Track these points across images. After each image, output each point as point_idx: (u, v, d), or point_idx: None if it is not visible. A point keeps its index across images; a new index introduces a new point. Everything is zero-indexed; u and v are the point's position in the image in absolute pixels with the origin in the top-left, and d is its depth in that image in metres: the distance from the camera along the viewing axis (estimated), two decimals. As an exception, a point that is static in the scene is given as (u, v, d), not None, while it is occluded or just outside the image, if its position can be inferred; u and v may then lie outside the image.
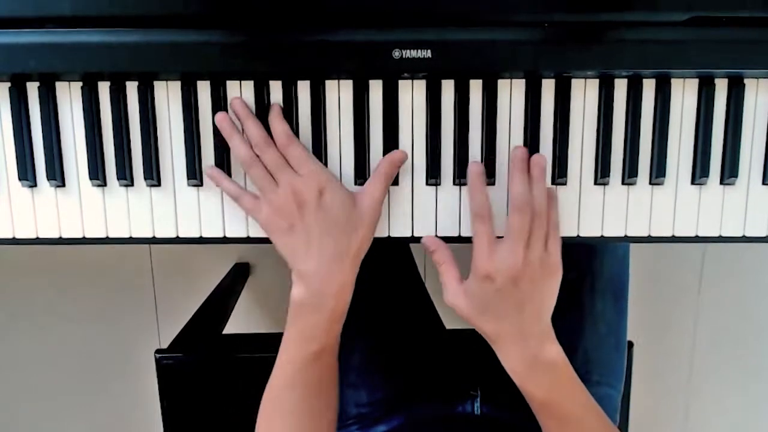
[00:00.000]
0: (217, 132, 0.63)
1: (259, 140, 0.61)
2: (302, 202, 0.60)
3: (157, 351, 0.91)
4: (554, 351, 0.62)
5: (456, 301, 0.62)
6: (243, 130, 0.63)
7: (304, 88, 0.63)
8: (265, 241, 0.65)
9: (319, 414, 0.65)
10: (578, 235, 0.65)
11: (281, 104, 0.63)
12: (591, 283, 0.79)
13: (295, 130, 0.64)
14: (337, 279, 0.61)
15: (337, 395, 0.68)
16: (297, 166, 0.61)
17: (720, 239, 0.65)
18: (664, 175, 0.64)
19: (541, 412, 0.63)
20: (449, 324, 0.88)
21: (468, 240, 0.65)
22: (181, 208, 0.65)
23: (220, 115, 0.63)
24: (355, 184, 0.65)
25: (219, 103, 0.63)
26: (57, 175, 0.64)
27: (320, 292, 0.61)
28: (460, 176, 0.64)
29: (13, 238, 0.66)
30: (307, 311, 0.62)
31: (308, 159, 0.61)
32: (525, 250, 0.59)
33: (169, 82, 0.63)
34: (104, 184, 0.65)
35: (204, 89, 0.63)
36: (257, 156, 0.61)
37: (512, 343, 0.61)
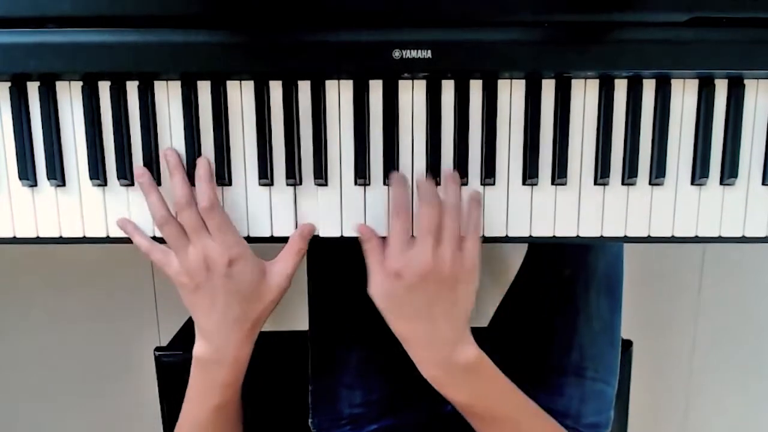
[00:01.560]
0: (216, 125, 0.63)
1: (182, 199, 0.61)
2: (211, 267, 0.61)
3: (157, 349, 0.91)
4: (471, 353, 0.62)
5: (375, 294, 0.62)
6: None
7: (304, 88, 0.63)
8: (266, 240, 0.66)
9: None
10: (578, 236, 0.65)
11: (213, 164, 0.63)
12: (585, 279, 0.79)
13: (296, 130, 0.64)
14: (237, 339, 0.63)
15: None
16: (214, 232, 0.62)
17: (720, 239, 0.65)
18: (663, 176, 0.64)
19: (467, 414, 0.64)
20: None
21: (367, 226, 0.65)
22: (181, 207, 0.65)
23: (139, 169, 0.63)
24: (355, 184, 0.65)
25: (219, 103, 0.63)
26: (57, 174, 0.64)
27: (220, 349, 0.63)
28: (459, 176, 0.64)
29: (13, 238, 0.66)
30: (207, 366, 0.64)
31: (226, 227, 0.62)
32: (435, 247, 0.59)
33: (169, 82, 0.63)
34: (104, 183, 0.65)
35: (204, 89, 0.63)
36: (171, 216, 0.62)
37: (424, 347, 0.61)
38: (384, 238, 0.64)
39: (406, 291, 0.59)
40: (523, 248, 0.89)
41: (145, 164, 0.64)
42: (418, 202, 0.61)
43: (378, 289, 0.62)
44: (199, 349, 0.64)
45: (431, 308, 0.60)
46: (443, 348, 0.61)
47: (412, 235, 0.62)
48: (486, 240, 0.66)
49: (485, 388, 0.63)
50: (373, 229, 0.64)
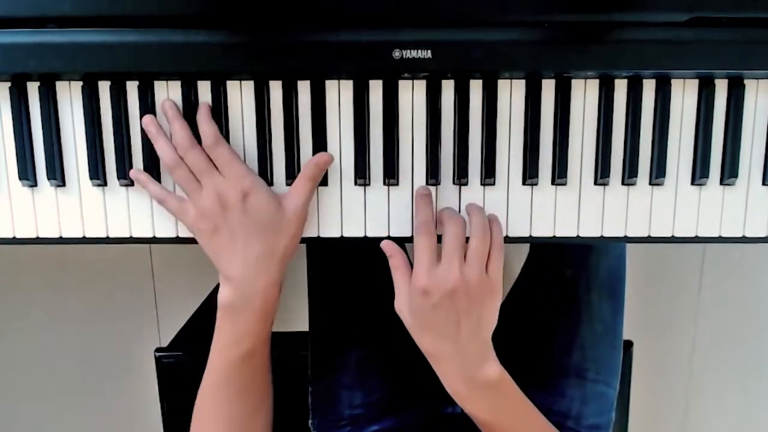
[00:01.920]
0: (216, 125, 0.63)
1: (183, 141, 0.61)
2: (226, 204, 0.60)
3: (157, 350, 0.91)
4: (494, 371, 0.62)
5: (402, 309, 0.62)
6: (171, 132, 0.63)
7: (304, 88, 0.63)
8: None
9: (251, 415, 0.66)
10: (578, 236, 0.65)
11: (210, 104, 0.63)
12: (587, 281, 0.79)
13: (296, 130, 0.64)
14: (262, 281, 0.61)
15: (270, 397, 0.69)
16: (222, 168, 0.61)
17: (720, 239, 0.65)
18: (664, 176, 0.64)
19: (486, 430, 0.64)
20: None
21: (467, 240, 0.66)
22: (181, 208, 0.65)
23: (147, 118, 0.63)
24: (355, 184, 0.65)
25: (219, 103, 0.63)
26: (57, 174, 0.64)
27: (246, 294, 0.61)
28: (460, 176, 0.64)
29: (13, 238, 0.66)
30: (235, 312, 0.62)
31: (234, 161, 0.61)
32: (461, 264, 0.59)
33: (169, 82, 0.63)
34: (104, 183, 0.65)
35: (204, 89, 0.63)
36: (181, 158, 0.61)
37: (450, 363, 0.61)
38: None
39: (433, 308, 0.59)
40: (525, 249, 0.89)
41: (145, 164, 0.64)
42: (442, 221, 0.61)
43: (404, 305, 0.62)
44: (224, 296, 0.62)
45: (457, 326, 0.60)
46: (468, 365, 0.61)
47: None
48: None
49: (505, 406, 0.63)
50: (396, 246, 0.64)
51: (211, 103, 0.63)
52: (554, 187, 0.65)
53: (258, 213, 0.60)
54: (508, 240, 0.65)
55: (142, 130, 0.63)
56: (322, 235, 0.66)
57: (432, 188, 0.65)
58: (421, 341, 0.62)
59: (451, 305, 0.59)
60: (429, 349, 0.62)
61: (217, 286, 0.63)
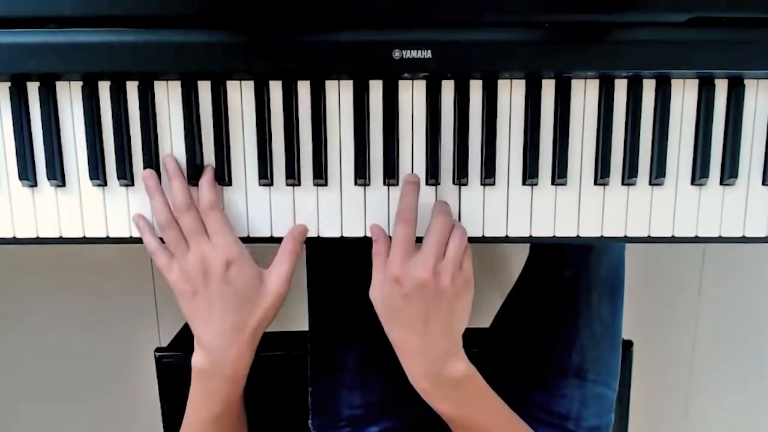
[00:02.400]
0: (216, 125, 0.63)
1: (181, 204, 0.62)
2: (208, 270, 0.61)
3: (157, 349, 0.91)
4: (460, 368, 0.62)
5: (374, 297, 0.63)
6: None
7: (304, 88, 0.63)
8: (266, 240, 0.66)
9: None
10: (578, 236, 0.65)
11: (215, 168, 0.64)
12: (587, 281, 0.79)
13: (295, 130, 0.64)
14: (234, 349, 0.63)
15: None
16: (212, 235, 0.62)
17: (720, 240, 0.65)
18: (663, 176, 0.64)
19: (455, 427, 0.64)
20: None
21: (471, 240, 0.65)
22: (181, 208, 0.65)
23: (147, 172, 0.63)
24: (355, 184, 0.65)
25: (219, 103, 0.63)
26: (57, 174, 0.64)
27: (218, 361, 0.63)
28: (459, 176, 0.64)
29: (14, 238, 0.66)
30: (207, 377, 0.64)
31: (225, 230, 0.62)
32: (437, 263, 0.59)
33: (169, 82, 0.63)
34: (104, 183, 0.65)
35: (204, 89, 0.63)
36: (175, 219, 0.62)
37: (416, 357, 0.62)
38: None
39: (403, 299, 0.60)
40: (525, 249, 0.89)
41: (145, 165, 0.64)
42: (434, 215, 0.61)
43: (377, 291, 0.62)
44: (197, 360, 0.64)
45: (426, 320, 0.60)
46: (435, 361, 0.61)
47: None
48: (486, 240, 0.66)
49: (473, 403, 0.63)
50: (385, 232, 0.64)
51: (211, 103, 0.63)
52: (554, 187, 0.65)
53: (238, 284, 0.62)
54: (508, 240, 0.65)
55: (142, 130, 0.63)
56: (322, 235, 0.66)
57: (432, 188, 0.65)
58: (389, 331, 0.63)
59: (421, 298, 0.59)
60: (396, 340, 0.62)
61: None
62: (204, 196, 0.63)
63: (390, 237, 0.65)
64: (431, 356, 0.61)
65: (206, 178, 0.63)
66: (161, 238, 0.64)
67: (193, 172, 0.64)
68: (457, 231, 0.61)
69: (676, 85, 0.63)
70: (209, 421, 0.65)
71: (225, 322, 0.62)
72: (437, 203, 0.63)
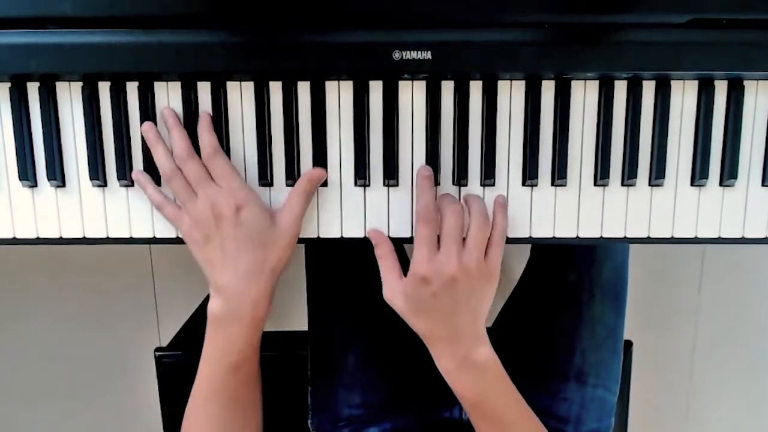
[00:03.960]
0: (217, 125, 0.63)
1: (182, 152, 0.62)
2: (220, 215, 0.61)
3: (157, 349, 0.91)
4: (485, 353, 0.63)
5: (393, 298, 0.63)
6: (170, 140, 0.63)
7: (304, 88, 0.63)
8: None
9: (238, 426, 0.66)
10: (577, 236, 0.65)
11: (211, 113, 0.63)
12: (590, 286, 0.79)
13: (296, 130, 0.64)
14: (251, 292, 0.62)
15: (260, 411, 0.69)
16: (218, 180, 0.61)
17: (719, 240, 0.65)
18: (663, 177, 0.64)
19: (472, 412, 0.65)
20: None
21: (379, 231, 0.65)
22: (181, 208, 0.65)
23: (146, 125, 0.63)
24: (355, 185, 0.65)
25: (219, 103, 0.63)
26: (57, 175, 0.64)
27: (236, 305, 0.62)
28: (459, 177, 0.64)
29: (14, 238, 0.66)
30: (225, 323, 0.63)
31: (231, 174, 0.62)
32: (460, 252, 0.59)
33: (169, 83, 0.63)
34: (104, 184, 0.65)
35: (204, 89, 0.63)
36: (179, 168, 0.62)
37: (444, 343, 0.62)
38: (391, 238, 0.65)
39: (432, 296, 0.60)
40: (526, 251, 0.88)
41: (144, 165, 0.64)
42: (441, 209, 0.61)
43: (394, 293, 0.63)
44: (214, 306, 0.63)
45: (454, 311, 0.61)
46: (462, 346, 0.62)
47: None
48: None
49: (492, 389, 0.63)
50: (384, 234, 0.64)
51: (211, 103, 0.63)
52: (554, 188, 0.65)
53: (250, 226, 0.61)
54: (508, 241, 0.65)
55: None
56: (322, 236, 0.66)
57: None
58: (415, 324, 0.63)
59: (450, 293, 0.60)
60: (424, 332, 0.63)
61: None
62: (205, 141, 0.62)
63: (389, 238, 0.65)
64: (458, 341, 0.62)
65: (204, 124, 0.62)
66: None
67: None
68: (475, 219, 0.61)
69: (676, 86, 0.63)
70: (228, 372, 0.64)
71: (240, 265, 0.61)
72: (441, 196, 0.63)
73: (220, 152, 0.62)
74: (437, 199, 0.63)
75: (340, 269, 0.80)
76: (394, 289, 0.63)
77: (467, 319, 0.61)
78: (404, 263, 0.88)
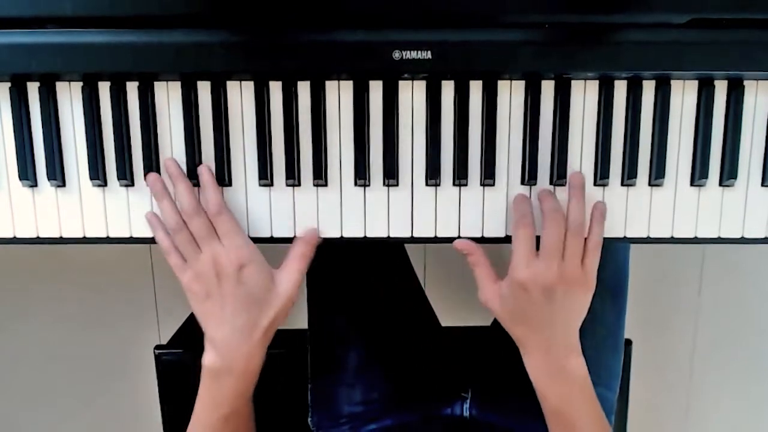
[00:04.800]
0: (217, 125, 0.63)
1: (189, 208, 0.62)
2: (221, 272, 0.61)
3: (157, 347, 0.91)
4: (578, 364, 0.63)
5: (490, 302, 0.64)
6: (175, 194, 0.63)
7: (304, 88, 0.63)
8: (266, 240, 0.66)
9: None
10: (578, 236, 0.65)
11: (213, 170, 0.64)
12: None
13: (295, 130, 0.64)
14: (245, 348, 0.63)
15: None
16: (223, 237, 0.62)
17: (719, 240, 0.65)
18: (663, 177, 0.64)
19: (552, 420, 0.65)
20: (445, 322, 0.89)
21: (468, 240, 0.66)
22: (181, 208, 0.65)
23: (152, 176, 0.63)
24: (355, 185, 0.65)
25: (219, 103, 0.63)
26: (57, 174, 0.64)
27: (230, 359, 0.63)
28: (459, 177, 0.64)
29: (14, 238, 0.66)
30: (218, 376, 0.64)
31: (235, 231, 0.62)
32: (560, 264, 0.60)
33: (169, 83, 0.63)
34: (104, 184, 0.65)
35: (204, 89, 0.63)
36: (185, 222, 0.62)
37: (539, 350, 0.63)
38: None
39: (529, 302, 0.61)
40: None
41: (145, 165, 0.64)
42: (543, 220, 0.61)
43: (491, 295, 0.64)
44: (208, 359, 0.64)
45: (552, 318, 0.61)
46: (555, 355, 0.63)
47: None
48: (486, 241, 0.66)
49: (579, 400, 0.64)
50: (472, 242, 0.65)
51: (211, 103, 0.63)
52: (554, 187, 0.65)
53: (250, 285, 0.62)
54: (508, 240, 0.65)
55: (141, 130, 0.63)
56: (321, 236, 0.66)
57: (431, 189, 0.65)
58: (512, 329, 0.64)
59: (548, 301, 0.61)
60: (520, 337, 0.64)
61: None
62: (210, 199, 0.62)
63: (390, 238, 0.65)
64: (554, 351, 0.63)
65: (207, 180, 0.63)
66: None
67: (193, 172, 0.64)
68: (573, 231, 0.61)
69: (676, 86, 0.63)
70: (218, 421, 0.65)
71: (237, 322, 0.62)
72: (543, 197, 0.62)
73: (225, 209, 0.63)
74: (540, 198, 0.63)
75: (340, 269, 0.80)
76: (490, 294, 0.64)
77: (562, 327, 0.62)
78: (405, 263, 0.88)
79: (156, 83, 0.63)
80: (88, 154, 0.64)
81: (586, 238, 0.62)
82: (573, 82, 0.63)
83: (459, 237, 0.65)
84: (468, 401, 0.81)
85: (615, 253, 0.81)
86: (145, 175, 0.64)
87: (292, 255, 0.65)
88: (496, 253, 0.66)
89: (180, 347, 0.92)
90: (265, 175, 0.64)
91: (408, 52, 0.60)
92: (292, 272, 0.64)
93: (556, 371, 0.63)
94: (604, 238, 0.65)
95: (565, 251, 0.61)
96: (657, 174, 0.63)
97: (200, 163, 0.64)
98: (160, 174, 0.64)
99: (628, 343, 0.91)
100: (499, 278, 0.64)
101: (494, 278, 0.64)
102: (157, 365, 0.91)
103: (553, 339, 0.62)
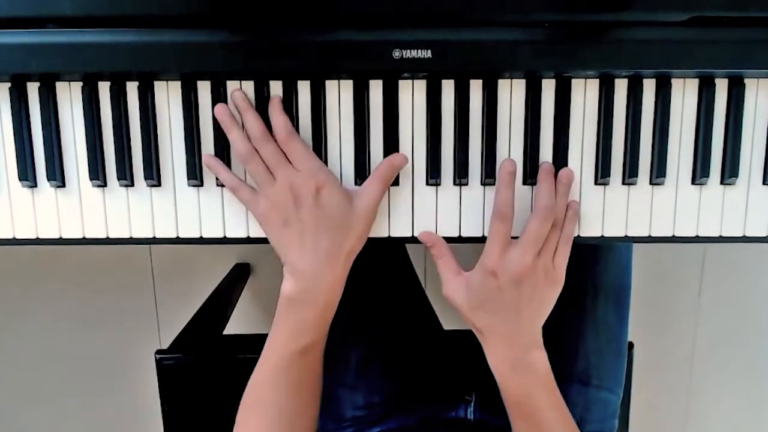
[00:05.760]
0: (217, 125, 0.63)
1: (259, 134, 0.61)
2: (299, 197, 0.60)
3: (158, 351, 0.91)
4: (539, 357, 0.63)
5: (453, 294, 0.63)
6: (243, 123, 0.63)
7: (304, 88, 0.63)
8: (266, 241, 0.65)
9: (298, 412, 0.65)
10: (578, 235, 0.65)
11: (281, 96, 0.63)
12: (593, 288, 0.79)
13: (296, 130, 0.63)
14: (328, 276, 0.62)
15: (319, 398, 0.68)
16: (296, 162, 0.61)
17: (720, 239, 0.65)
18: (664, 175, 0.64)
19: (514, 412, 0.65)
20: (447, 325, 0.88)
21: (468, 240, 0.65)
22: (181, 208, 0.65)
23: (219, 107, 0.62)
24: (356, 184, 0.65)
25: (219, 103, 0.63)
26: (57, 175, 0.64)
27: (311, 288, 0.61)
28: (460, 176, 0.64)
29: (13, 238, 0.66)
30: (297, 306, 0.62)
31: (308, 156, 0.61)
32: (534, 257, 0.60)
33: (169, 82, 0.63)
34: (104, 184, 0.65)
35: (204, 89, 0.63)
36: (255, 150, 0.61)
37: (501, 341, 0.62)
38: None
39: (497, 289, 0.60)
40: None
41: (145, 165, 0.64)
42: (534, 210, 0.61)
43: (457, 288, 0.63)
44: (289, 288, 0.62)
45: (517, 309, 0.61)
46: (518, 346, 0.62)
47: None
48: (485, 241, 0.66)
49: (540, 393, 0.64)
50: (436, 235, 0.65)
51: (211, 103, 0.63)
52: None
53: (330, 208, 0.60)
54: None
55: (141, 130, 0.63)
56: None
57: (432, 188, 0.65)
58: (474, 320, 0.63)
59: (516, 291, 0.60)
60: (482, 327, 0.63)
61: (218, 287, 0.63)
62: (279, 123, 0.61)
63: (390, 238, 0.65)
64: (516, 342, 0.62)
65: (275, 106, 0.62)
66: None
67: (194, 172, 0.64)
68: (555, 226, 0.61)
69: (677, 84, 0.63)
70: (296, 353, 0.63)
71: (319, 248, 0.61)
72: (541, 204, 0.62)
73: (294, 134, 0.62)
74: (539, 190, 0.62)
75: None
76: (454, 285, 0.63)
77: (527, 320, 0.62)
78: (405, 264, 0.88)
79: (156, 83, 0.63)
80: (87, 155, 0.64)
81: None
82: (573, 80, 0.63)
83: (460, 237, 0.65)
84: (472, 404, 0.81)
85: (617, 257, 0.81)
86: (145, 176, 0.64)
87: (372, 177, 0.63)
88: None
89: (181, 351, 0.91)
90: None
91: (408, 51, 0.60)
92: (370, 194, 0.62)
93: (518, 363, 0.62)
94: (606, 239, 0.65)
95: (544, 245, 0.61)
96: (658, 173, 0.63)
97: (200, 162, 0.64)
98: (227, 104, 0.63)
99: (630, 346, 0.91)
100: (462, 271, 0.64)
101: (457, 270, 0.64)
102: (158, 369, 0.91)
103: (516, 330, 0.62)
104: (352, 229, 0.61)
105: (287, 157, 0.61)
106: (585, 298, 0.80)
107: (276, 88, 0.63)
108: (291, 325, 0.63)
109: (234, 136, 0.62)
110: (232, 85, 0.63)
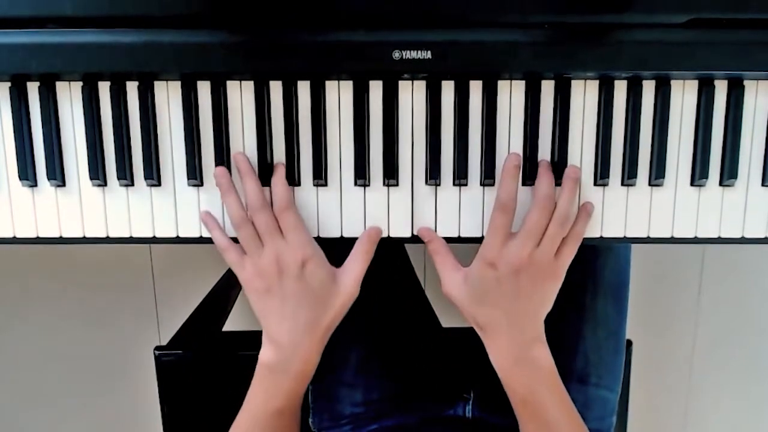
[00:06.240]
0: (217, 125, 0.63)
1: (255, 202, 0.62)
2: (284, 268, 0.61)
3: (157, 348, 0.91)
4: (542, 353, 0.63)
5: (452, 289, 0.64)
6: (243, 185, 0.63)
7: (304, 88, 0.63)
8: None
9: None
10: (578, 236, 0.65)
11: (285, 164, 0.64)
12: (592, 285, 0.79)
13: (295, 130, 0.64)
14: (305, 347, 0.63)
15: None
16: (286, 233, 0.62)
17: (719, 240, 0.65)
18: (663, 177, 0.64)
19: (521, 411, 0.65)
20: (446, 323, 0.89)
21: (467, 240, 0.66)
22: (181, 207, 0.65)
23: (220, 170, 0.63)
24: (355, 185, 0.65)
25: (219, 103, 0.63)
26: (57, 174, 0.64)
27: (288, 358, 0.63)
28: (459, 177, 0.64)
29: (14, 238, 0.66)
30: (274, 373, 0.64)
31: (299, 228, 0.62)
32: (534, 247, 0.60)
33: (169, 82, 0.63)
34: (104, 184, 0.65)
35: (204, 89, 0.63)
36: (248, 216, 0.62)
37: (502, 335, 0.63)
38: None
39: (496, 281, 0.61)
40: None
41: (144, 165, 0.64)
42: (533, 202, 0.62)
43: (456, 283, 0.63)
44: (267, 355, 0.64)
45: (516, 301, 0.61)
46: (520, 341, 0.62)
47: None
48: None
49: (545, 389, 0.64)
50: (433, 231, 0.65)
51: (211, 103, 0.63)
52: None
53: (313, 282, 0.62)
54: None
55: (141, 130, 0.63)
56: (322, 235, 0.66)
57: (431, 188, 0.65)
58: (475, 314, 0.63)
59: (515, 282, 0.60)
60: (482, 322, 0.63)
61: (218, 283, 0.63)
62: (279, 194, 0.62)
63: (389, 238, 0.65)
64: (518, 336, 0.62)
65: (279, 177, 0.63)
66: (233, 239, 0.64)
67: (193, 172, 0.64)
68: (557, 217, 0.61)
69: (676, 85, 0.63)
70: (271, 415, 0.65)
71: (298, 320, 0.62)
72: (539, 194, 0.62)
73: (292, 206, 0.63)
74: (538, 182, 0.63)
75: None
76: (453, 281, 0.64)
77: (528, 313, 0.62)
78: (405, 263, 0.88)
79: (156, 83, 0.63)
80: (88, 154, 0.64)
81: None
82: (573, 81, 0.63)
83: (459, 237, 0.66)
84: (470, 402, 0.81)
85: (616, 254, 0.81)
86: (145, 176, 0.64)
87: (355, 253, 0.64)
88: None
89: (180, 348, 0.92)
90: (266, 176, 0.64)
91: (408, 52, 0.60)
92: (353, 270, 0.64)
93: (521, 358, 0.62)
94: (606, 240, 0.65)
95: (543, 238, 0.61)
96: (657, 174, 0.63)
97: (200, 162, 0.64)
98: (228, 169, 0.64)
99: (629, 344, 0.91)
100: (460, 266, 0.64)
101: (456, 266, 0.64)
102: (157, 366, 0.91)
103: (516, 323, 0.62)
104: (332, 305, 0.63)
105: (279, 226, 0.62)
106: (584, 296, 0.80)
107: (276, 88, 0.63)
108: (267, 389, 0.65)
109: (230, 201, 0.63)
110: (232, 85, 0.64)
